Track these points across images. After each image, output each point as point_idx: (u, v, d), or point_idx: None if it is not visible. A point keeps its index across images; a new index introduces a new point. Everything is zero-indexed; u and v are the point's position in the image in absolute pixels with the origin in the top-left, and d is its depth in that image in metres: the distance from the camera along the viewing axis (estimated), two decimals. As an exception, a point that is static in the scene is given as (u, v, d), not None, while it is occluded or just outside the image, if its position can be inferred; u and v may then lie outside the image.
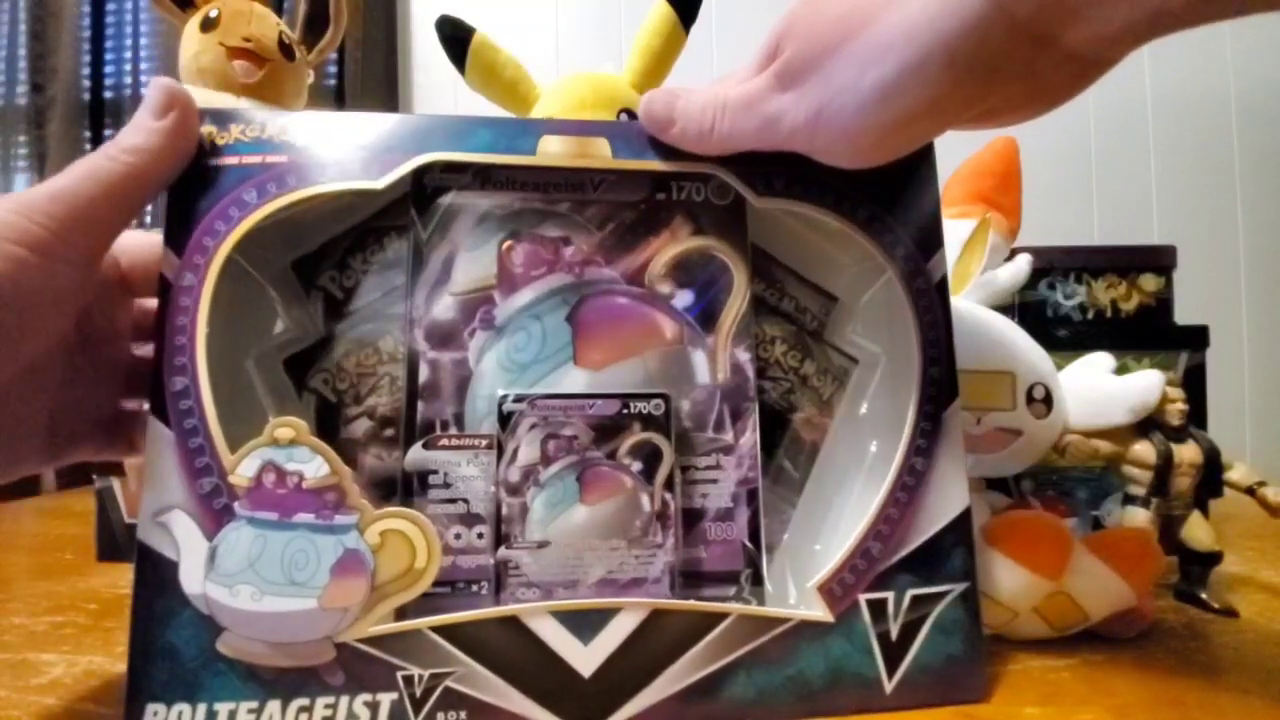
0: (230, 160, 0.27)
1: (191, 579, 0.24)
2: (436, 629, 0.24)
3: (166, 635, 0.24)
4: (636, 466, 0.28)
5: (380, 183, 0.27)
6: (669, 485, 0.28)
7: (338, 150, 0.27)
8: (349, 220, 0.30)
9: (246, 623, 0.24)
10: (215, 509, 0.24)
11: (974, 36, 0.21)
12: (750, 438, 0.29)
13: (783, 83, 0.26)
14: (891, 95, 0.23)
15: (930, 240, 0.29)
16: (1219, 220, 1.21)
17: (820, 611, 0.26)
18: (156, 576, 0.24)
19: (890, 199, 0.29)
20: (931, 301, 0.29)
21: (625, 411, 0.28)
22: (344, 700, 0.24)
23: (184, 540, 0.24)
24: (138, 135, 0.25)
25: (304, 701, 0.24)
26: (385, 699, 0.24)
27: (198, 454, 0.24)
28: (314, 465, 0.25)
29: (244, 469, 0.24)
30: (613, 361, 0.29)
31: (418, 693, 0.24)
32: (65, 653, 0.33)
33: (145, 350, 0.28)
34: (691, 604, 0.26)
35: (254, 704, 0.24)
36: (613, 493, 0.27)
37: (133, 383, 0.30)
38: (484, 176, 0.29)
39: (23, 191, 0.24)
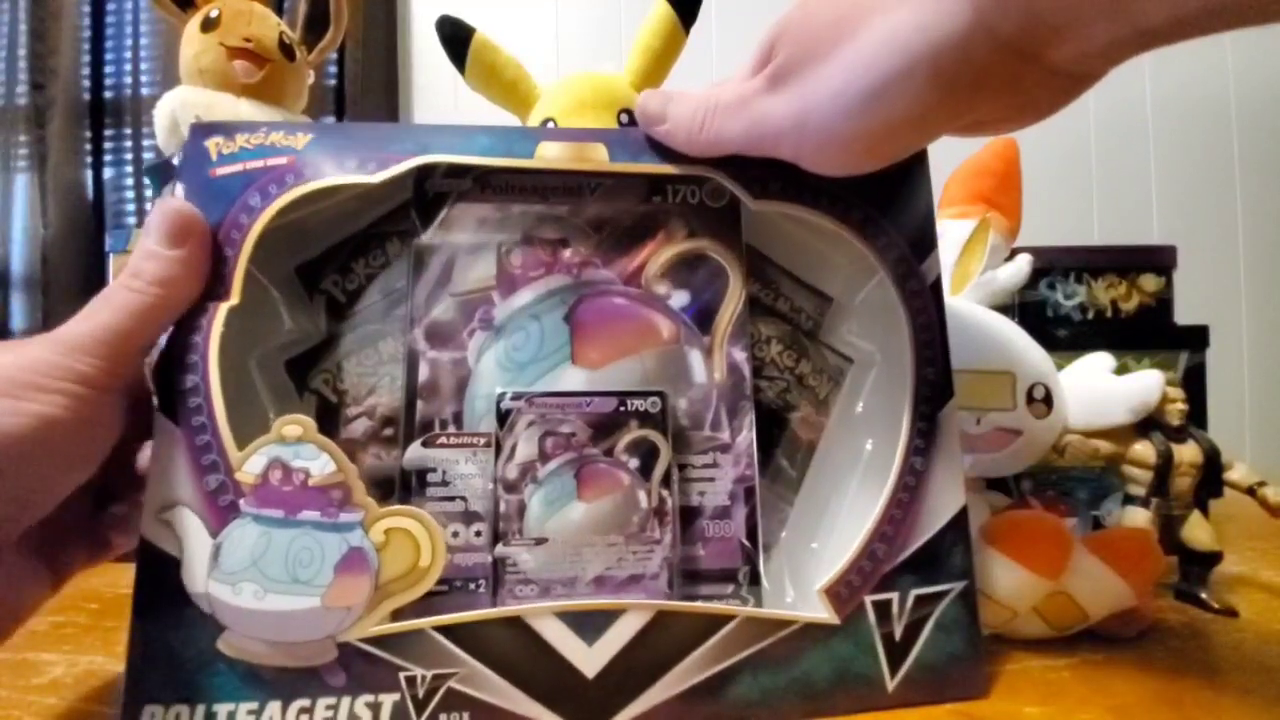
0: (235, 168, 0.27)
1: (195, 577, 0.24)
2: (439, 629, 0.24)
3: (166, 635, 0.23)
4: (634, 463, 0.28)
5: (377, 178, 0.27)
6: (666, 482, 0.28)
7: (338, 152, 0.27)
8: (352, 226, 0.30)
9: (248, 621, 0.24)
10: (220, 506, 0.24)
11: (958, 51, 0.22)
12: (747, 436, 0.29)
13: (773, 86, 0.26)
14: (876, 104, 0.23)
15: (924, 242, 0.29)
16: (1219, 220, 1.21)
17: (826, 614, 0.26)
18: (159, 574, 0.24)
19: (884, 201, 0.29)
20: (925, 303, 0.29)
21: (622, 409, 0.28)
22: (345, 701, 0.24)
23: (188, 537, 0.24)
24: (158, 265, 0.25)
25: (305, 702, 0.24)
26: (387, 700, 0.24)
27: (205, 450, 0.24)
28: (320, 463, 0.25)
29: (250, 466, 0.24)
30: (610, 361, 0.29)
31: (420, 694, 0.24)
32: (66, 652, 0.33)
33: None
34: (698, 605, 0.26)
35: (254, 705, 0.23)
36: (610, 489, 0.27)
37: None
38: (483, 182, 0.30)
39: (62, 330, 0.24)
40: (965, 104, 0.23)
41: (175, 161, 0.32)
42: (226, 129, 0.27)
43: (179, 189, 0.27)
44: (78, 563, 0.28)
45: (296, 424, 0.25)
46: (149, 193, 1.27)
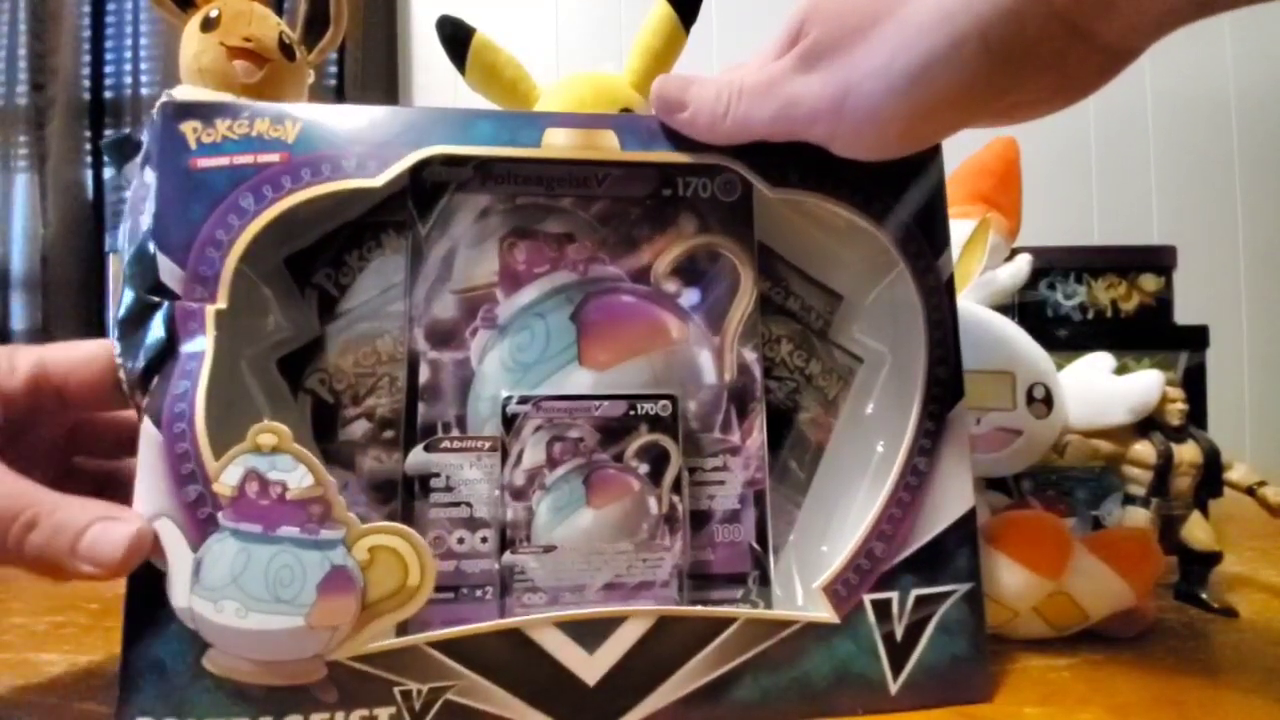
0: (220, 161, 0.25)
1: (178, 591, 0.23)
2: (435, 644, 0.24)
3: (154, 648, 0.23)
4: (644, 469, 0.27)
5: (379, 180, 0.26)
6: (676, 487, 0.27)
7: (333, 146, 0.26)
8: (345, 216, 0.29)
9: (232, 640, 0.23)
10: (200, 518, 0.23)
11: (1011, 21, 0.21)
12: (757, 439, 0.29)
13: (806, 65, 0.25)
14: (923, 79, 0.23)
15: (938, 238, 0.29)
16: (1219, 220, 1.21)
17: (825, 612, 0.26)
18: (145, 586, 0.23)
19: (901, 194, 0.29)
20: (940, 300, 0.29)
21: (632, 413, 0.27)
22: (339, 717, 0.23)
23: (170, 550, 0.23)
24: (60, 554, 0.22)
25: (296, 718, 0.23)
26: (383, 713, 0.24)
27: (184, 459, 0.23)
28: (296, 475, 0.23)
29: (227, 477, 0.23)
30: (619, 361, 0.28)
31: (416, 707, 0.24)
32: (66, 652, 0.33)
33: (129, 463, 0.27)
34: (698, 610, 0.26)
35: None
36: (620, 496, 0.27)
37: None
38: (485, 171, 0.29)
39: None
40: (1010, 80, 0.23)
41: (143, 139, 0.30)
42: (203, 112, 0.26)
43: (150, 176, 0.25)
44: None
45: (270, 432, 0.23)
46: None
